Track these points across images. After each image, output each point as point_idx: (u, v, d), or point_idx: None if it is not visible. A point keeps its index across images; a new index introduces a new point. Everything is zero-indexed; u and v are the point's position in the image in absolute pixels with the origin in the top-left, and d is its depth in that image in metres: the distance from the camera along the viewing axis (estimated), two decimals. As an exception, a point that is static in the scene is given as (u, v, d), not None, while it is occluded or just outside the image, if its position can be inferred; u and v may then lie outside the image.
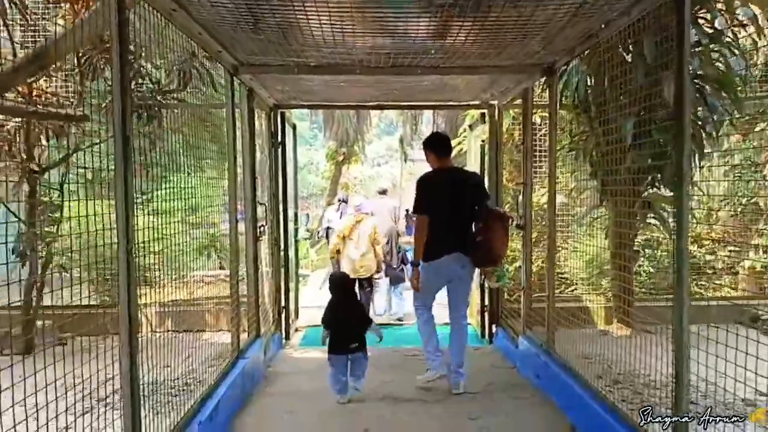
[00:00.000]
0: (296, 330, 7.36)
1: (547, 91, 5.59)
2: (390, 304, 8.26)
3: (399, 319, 8.01)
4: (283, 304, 6.50)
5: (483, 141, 6.53)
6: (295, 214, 7.39)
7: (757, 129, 6.48)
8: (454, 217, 4.43)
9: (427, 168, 4.75)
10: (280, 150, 6.44)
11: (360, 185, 42.33)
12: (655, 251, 6.98)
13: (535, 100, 6.16)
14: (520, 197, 5.50)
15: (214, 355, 4.50)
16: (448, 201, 4.41)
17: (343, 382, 4.36)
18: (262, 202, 5.43)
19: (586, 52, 4.49)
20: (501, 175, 6.36)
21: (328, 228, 10.39)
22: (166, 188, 3.60)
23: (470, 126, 7.56)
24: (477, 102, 6.47)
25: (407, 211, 8.89)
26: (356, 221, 7.57)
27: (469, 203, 4.47)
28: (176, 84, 4.61)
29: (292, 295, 7.12)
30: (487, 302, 6.56)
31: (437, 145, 4.70)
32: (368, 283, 7.61)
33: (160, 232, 3.17)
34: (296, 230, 7.39)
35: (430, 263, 4.43)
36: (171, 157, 3.56)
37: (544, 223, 5.77)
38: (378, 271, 7.69)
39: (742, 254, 7.67)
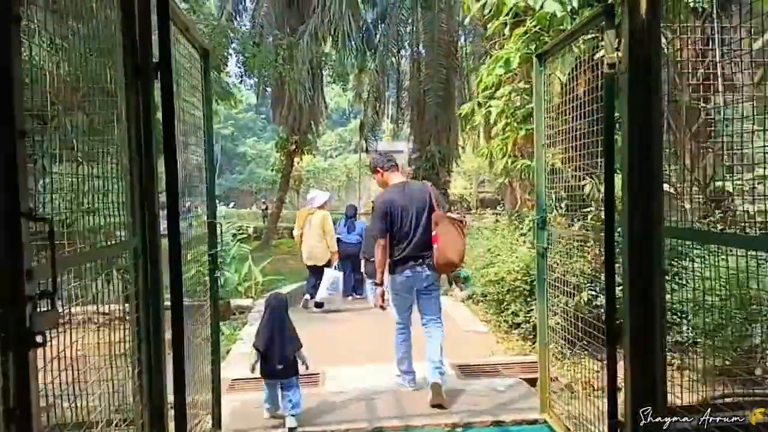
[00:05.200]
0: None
1: None
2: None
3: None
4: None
5: (609, 72, 2.88)
6: (212, 226, 3.61)
7: None
8: (413, 228, 4.43)
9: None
10: (158, 85, 2.64)
11: (313, 178, 38.37)
12: None
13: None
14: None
15: None
16: (405, 215, 4.43)
17: (276, 403, 4.04)
18: (42, 216, 1.61)
19: None
20: (660, 152, 2.73)
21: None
22: None
23: (540, 55, 3.89)
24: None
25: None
26: (308, 214, 8.13)
27: (424, 212, 4.45)
28: None
29: (207, 383, 3.40)
30: (623, 411, 2.93)
31: (382, 162, 4.69)
32: (320, 270, 7.97)
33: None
34: (214, 259, 3.59)
35: (396, 277, 4.48)
36: None
37: None
38: (330, 261, 8.02)
39: None
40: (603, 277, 3.23)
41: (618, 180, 2.96)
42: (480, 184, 29.76)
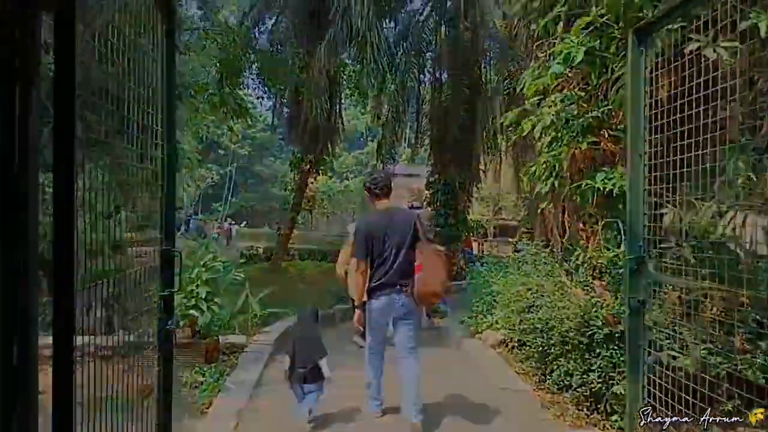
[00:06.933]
0: None
1: None
2: None
3: None
4: None
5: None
6: (167, 256, 2.46)
7: None
8: (393, 255, 4.31)
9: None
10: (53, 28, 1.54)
11: (328, 201, 37.27)
12: None
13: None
14: None
15: None
16: (386, 241, 4.33)
17: (301, 395, 4.26)
18: None
19: None
20: None
21: None
22: None
23: (639, 30, 2.75)
24: None
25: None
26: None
27: (406, 240, 4.33)
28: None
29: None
30: None
31: (374, 187, 4.53)
32: None
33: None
34: (167, 304, 2.44)
35: (371, 303, 4.37)
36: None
37: None
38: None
39: None
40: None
41: None
42: (497, 210, 28.42)
